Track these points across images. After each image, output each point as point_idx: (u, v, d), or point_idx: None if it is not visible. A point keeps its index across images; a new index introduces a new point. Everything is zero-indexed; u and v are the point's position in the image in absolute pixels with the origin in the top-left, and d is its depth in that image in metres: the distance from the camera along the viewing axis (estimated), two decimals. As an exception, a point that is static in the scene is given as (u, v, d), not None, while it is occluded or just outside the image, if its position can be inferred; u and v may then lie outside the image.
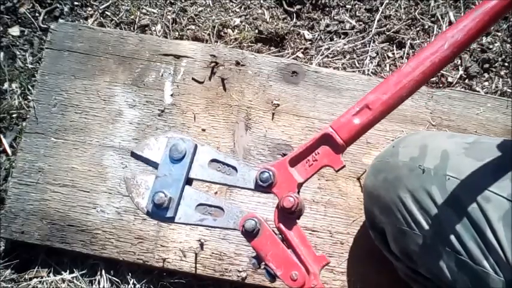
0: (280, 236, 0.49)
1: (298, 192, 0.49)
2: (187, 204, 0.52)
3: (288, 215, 0.48)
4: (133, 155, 0.55)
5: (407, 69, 0.46)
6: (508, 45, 0.94)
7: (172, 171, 0.52)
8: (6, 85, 0.91)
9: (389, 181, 0.60)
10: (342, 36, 0.95)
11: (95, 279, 0.80)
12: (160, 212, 0.51)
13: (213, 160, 0.53)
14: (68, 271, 0.81)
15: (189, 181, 0.53)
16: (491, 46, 0.94)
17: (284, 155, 0.81)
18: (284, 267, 0.47)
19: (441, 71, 0.92)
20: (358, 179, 0.81)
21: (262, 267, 0.48)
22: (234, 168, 0.53)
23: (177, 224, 0.52)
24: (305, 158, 0.49)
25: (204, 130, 0.82)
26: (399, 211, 0.57)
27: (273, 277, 0.47)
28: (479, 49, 0.94)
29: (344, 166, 0.47)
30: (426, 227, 0.54)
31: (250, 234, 0.48)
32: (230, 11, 0.96)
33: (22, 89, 0.91)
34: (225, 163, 0.53)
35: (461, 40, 0.44)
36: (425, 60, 0.45)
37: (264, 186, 0.49)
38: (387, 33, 0.94)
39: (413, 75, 0.46)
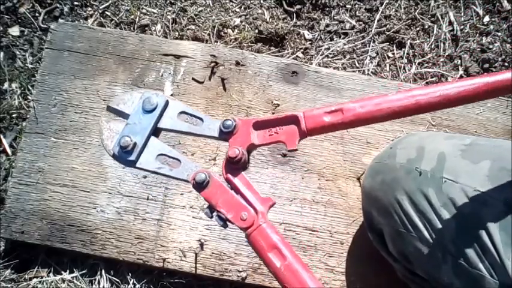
0: (229, 185, 0.52)
1: (249, 152, 0.53)
2: (149, 152, 0.56)
3: (233, 165, 0.52)
4: (109, 108, 0.60)
5: (393, 98, 0.48)
6: (508, 45, 0.94)
7: (142, 120, 0.57)
8: (6, 85, 0.91)
9: (387, 183, 0.60)
10: (342, 36, 0.95)
11: (95, 279, 0.80)
12: (124, 154, 0.55)
13: (182, 112, 0.58)
14: (68, 271, 0.81)
15: (157, 132, 0.58)
16: (491, 46, 0.94)
17: (284, 155, 0.81)
18: (234, 210, 0.50)
19: (441, 71, 0.92)
20: (358, 179, 0.81)
21: (214, 216, 0.51)
22: (201, 119, 0.58)
23: (137, 168, 0.56)
24: (269, 127, 0.52)
25: (204, 130, 0.82)
26: (396, 213, 0.57)
27: (224, 222, 0.50)
28: (479, 49, 0.94)
29: (296, 150, 0.50)
30: (423, 229, 0.54)
31: (200, 186, 0.52)
32: (230, 11, 0.96)
33: (22, 89, 0.91)
34: (193, 115, 0.58)
35: (453, 96, 0.48)
36: (413, 97, 0.48)
37: (225, 132, 0.53)
38: (387, 33, 0.94)
39: (393, 104, 0.48)
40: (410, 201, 0.55)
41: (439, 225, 0.53)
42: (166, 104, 0.58)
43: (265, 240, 0.49)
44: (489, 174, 0.52)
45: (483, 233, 0.49)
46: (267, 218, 0.49)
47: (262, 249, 0.49)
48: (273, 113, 0.83)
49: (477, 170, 0.53)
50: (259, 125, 0.53)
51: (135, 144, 0.56)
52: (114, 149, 0.56)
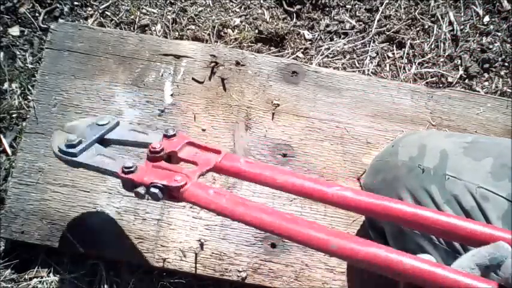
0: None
1: (170, 157, 0.60)
2: (91, 152, 0.64)
3: (155, 157, 0.58)
4: (64, 128, 0.69)
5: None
6: (508, 45, 0.94)
7: (92, 129, 0.67)
8: (6, 85, 0.91)
9: (389, 181, 0.60)
10: (342, 36, 0.95)
11: (95, 279, 0.80)
12: (68, 149, 0.63)
13: (131, 130, 0.68)
14: (67, 271, 0.81)
15: (105, 142, 0.67)
16: (491, 46, 0.94)
17: (285, 155, 0.81)
18: (167, 178, 0.54)
19: (441, 71, 0.92)
20: (358, 179, 0.81)
21: (151, 191, 0.54)
22: (146, 133, 0.66)
23: (75, 164, 0.64)
24: (196, 149, 0.61)
25: (204, 130, 0.82)
26: None
27: (162, 192, 0.54)
28: (479, 49, 0.94)
29: (201, 174, 0.56)
30: None
31: (129, 171, 0.57)
32: (230, 11, 0.96)
33: (22, 89, 0.91)
34: (140, 131, 0.67)
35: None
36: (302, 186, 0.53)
37: (167, 136, 0.61)
38: (387, 33, 0.94)
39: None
40: (413, 199, 0.56)
41: None
42: (118, 123, 0.68)
43: (203, 189, 0.53)
44: (492, 171, 0.52)
45: None
46: (198, 179, 0.54)
47: (202, 197, 0.52)
48: (273, 113, 0.83)
49: (480, 167, 0.53)
50: (191, 144, 0.61)
51: (80, 141, 0.64)
52: (60, 146, 0.64)
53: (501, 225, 0.49)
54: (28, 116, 0.84)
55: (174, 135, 0.62)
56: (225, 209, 0.51)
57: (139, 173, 0.57)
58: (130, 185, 0.57)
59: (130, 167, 0.57)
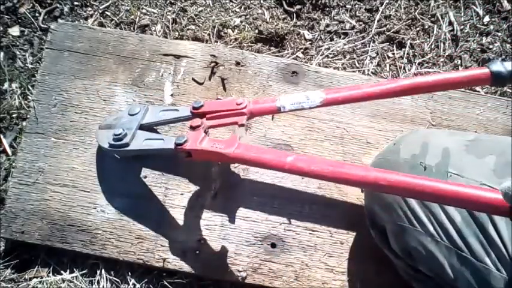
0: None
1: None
2: (139, 139, 0.73)
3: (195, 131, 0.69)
4: (101, 127, 0.77)
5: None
6: (508, 45, 0.94)
7: (129, 120, 0.75)
8: (6, 85, 0.91)
9: None
10: (342, 36, 0.95)
11: (95, 279, 0.80)
12: (118, 142, 0.72)
13: (162, 110, 0.76)
14: (68, 271, 0.81)
15: (143, 127, 0.75)
16: (491, 46, 0.94)
17: (284, 155, 0.81)
18: (213, 142, 0.66)
19: (441, 71, 0.92)
20: (358, 179, 0.81)
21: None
22: (177, 110, 0.76)
23: (134, 150, 0.72)
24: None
25: (204, 130, 0.82)
26: (400, 208, 0.58)
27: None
28: (479, 49, 0.94)
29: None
30: (428, 223, 0.55)
31: (181, 142, 0.67)
32: (230, 11, 0.96)
33: (22, 89, 0.91)
34: (171, 109, 0.76)
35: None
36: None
37: (196, 107, 0.72)
38: (387, 33, 0.94)
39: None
40: None
41: (445, 219, 0.53)
42: (147, 108, 0.77)
43: (248, 149, 0.63)
44: (495, 169, 0.52)
45: (489, 226, 0.49)
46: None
47: (254, 156, 0.62)
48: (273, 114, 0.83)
49: (482, 165, 0.53)
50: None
51: (126, 133, 0.73)
52: (110, 141, 0.73)
53: (504, 222, 0.49)
54: (28, 116, 0.84)
55: (202, 105, 0.72)
56: (271, 161, 0.60)
57: (190, 142, 0.67)
58: (186, 155, 0.68)
59: (182, 141, 0.67)
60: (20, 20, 0.95)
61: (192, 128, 0.69)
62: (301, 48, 0.94)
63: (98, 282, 0.80)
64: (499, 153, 0.54)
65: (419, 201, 0.56)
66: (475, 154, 0.55)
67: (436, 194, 0.47)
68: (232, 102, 0.70)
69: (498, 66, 0.64)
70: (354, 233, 0.79)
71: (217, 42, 0.93)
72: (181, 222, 0.78)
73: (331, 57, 0.93)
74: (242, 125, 0.68)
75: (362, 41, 0.94)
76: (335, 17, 0.96)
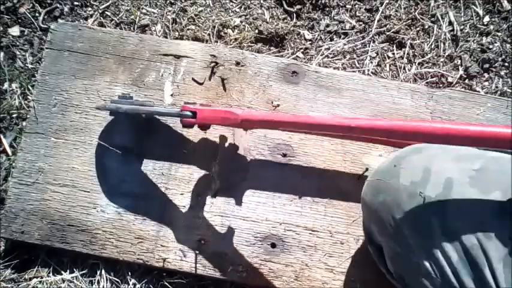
0: None
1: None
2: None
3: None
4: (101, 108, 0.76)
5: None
6: (508, 45, 0.94)
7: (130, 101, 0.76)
8: (6, 85, 0.91)
9: (388, 204, 0.58)
10: (342, 36, 0.95)
11: (95, 279, 0.80)
12: (122, 100, 0.74)
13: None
14: (68, 271, 0.81)
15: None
16: (491, 46, 0.94)
17: (285, 155, 0.81)
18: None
19: (441, 71, 0.92)
20: (358, 179, 0.81)
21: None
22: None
23: (136, 108, 0.74)
24: None
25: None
26: (396, 234, 0.56)
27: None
28: (479, 49, 0.94)
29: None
30: (423, 258, 0.52)
31: (189, 103, 0.73)
32: (230, 11, 0.96)
33: (22, 89, 0.91)
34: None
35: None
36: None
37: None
38: (387, 33, 0.94)
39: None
40: (412, 227, 0.53)
41: (440, 255, 0.51)
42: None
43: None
44: (498, 207, 0.49)
45: (485, 268, 0.47)
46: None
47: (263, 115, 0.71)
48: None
49: (485, 201, 0.50)
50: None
51: (131, 97, 0.75)
52: (112, 100, 0.75)
53: (502, 267, 0.46)
54: (28, 116, 0.84)
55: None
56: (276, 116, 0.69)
57: (198, 105, 0.72)
58: (191, 116, 0.72)
59: (190, 101, 0.73)
60: (20, 20, 0.95)
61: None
62: (301, 48, 0.94)
63: (98, 282, 0.80)
64: (504, 189, 0.50)
65: (415, 230, 0.53)
66: (479, 188, 0.51)
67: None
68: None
69: None
70: (354, 233, 0.79)
71: (217, 42, 0.93)
72: (181, 222, 0.78)
73: (331, 57, 0.93)
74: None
75: (362, 41, 0.94)
76: (335, 17, 0.96)
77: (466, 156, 0.57)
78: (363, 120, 0.64)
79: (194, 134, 0.82)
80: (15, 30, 0.95)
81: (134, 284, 0.79)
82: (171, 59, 0.86)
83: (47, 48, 0.86)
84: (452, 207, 0.51)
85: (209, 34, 0.93)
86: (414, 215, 0.53)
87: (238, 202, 0.79)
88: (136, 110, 0.73)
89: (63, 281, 0.80)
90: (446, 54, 0.94)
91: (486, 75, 0.93)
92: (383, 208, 0.58)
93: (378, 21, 0.95)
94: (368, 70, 0.92)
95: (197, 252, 0.77)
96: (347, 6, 0.96)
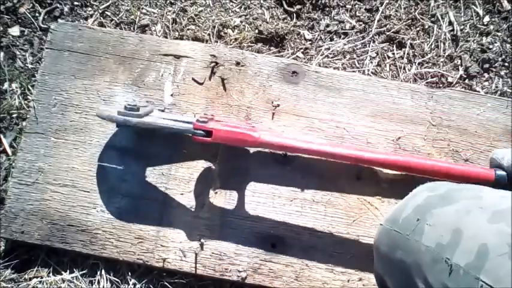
0: None
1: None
2: (152, 116, 0.73)
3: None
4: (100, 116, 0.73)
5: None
6: (508, 45, 0.94)
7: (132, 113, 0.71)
8: (6, 85, 0.91)
9: (407, 264, 0.51)
10: (342, 36, 0.95)
11: (95, 279, 0.80)
12: (130, 112, 0.70)
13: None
14: (68, 271, 0.81)
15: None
16: (491, 46, 0.94)
17: (285, 155, 0.81)
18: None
19: (441, 71, 0.92)
20: (358, 178, 0.81)
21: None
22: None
23: (146, 122, 0.71)
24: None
25: (204, 130, 0.82)
26: None
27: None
28: (479, 49, 0.94)
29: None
30: None
31: (205, 121, 0.72)
32: (230, 11, 0.96)
33: (22, 89, 0.91)
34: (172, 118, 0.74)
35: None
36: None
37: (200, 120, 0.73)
38: (387, 33, 0.94)
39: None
40: None
41: None
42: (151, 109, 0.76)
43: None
44: None
45: None
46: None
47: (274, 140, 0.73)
48: (273, 113, 0.83)
49: None
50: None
51: (139, 108, 0.71)
52: (119, 111, 0.70)
53: None
54: (28, 116, 0.84)
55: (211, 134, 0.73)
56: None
57: (213, 123, 0.72)
58: (204, 135, 0.71)
59: (206, 120, 0.71)
60: (20, 20, 0.95)
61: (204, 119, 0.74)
62: (301, 48, 0.94)
63: (98, 282, 0.80)
64: None
65: None
66: None
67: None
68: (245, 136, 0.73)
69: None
70: (354, 233, 0.79)
71: (217, 42, 0.93)
72: (181, 222, 0.78)
73: (331, 57, 0.93)
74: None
75: (362, 41, 0.94)
76: (335, 17, 0.96)
77: (504, 214, 0.47)
78: (379, 154, 0.74)
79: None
80: (15, 30, 0.95)
81: (134, 284, 0.79)
82: (171, 59, 0.86)
83: (47, 48, 0.86)
84: (484, 281, 0.42)
85: (209, 34, 0.93)
86: (436, 284, 0.46)
87: (238, 202, 0.79)
88: (147, 124, 0.71)
89: (63, 281, 0.80)
90: (446, 54, 0.94)
91: (486, 75, 0.93)
92: (401, 266, 0.52)
93: (378, 21, 0.95)
94: (368, 70, 0.92)
95: (197, 252, 0.77)
96: (347, 6, 0.96)
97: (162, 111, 0.82)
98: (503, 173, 0.70)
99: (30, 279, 0.80)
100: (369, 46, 0.94)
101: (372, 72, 0.92)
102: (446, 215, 0.51)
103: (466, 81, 0.92)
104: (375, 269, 0.63)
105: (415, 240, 0.51)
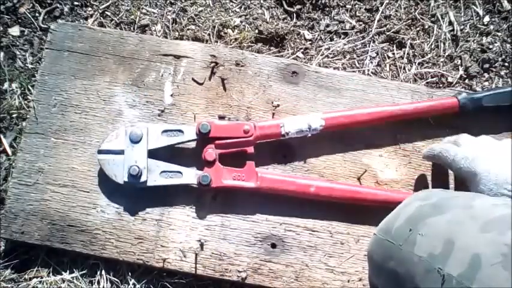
0: None
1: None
2: (153, 172, 0.74)
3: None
4: (101, 152, 0.75)
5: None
6: (508, 45, 0.94)
7: (136, 150, 0.74)
8: (6, 85, 0.91)
9: (400, 274, 0.51)
10: (342, 36, 0.95)
11: (95, 279, 0.80)
12: (135, 180, 0.73)
13: (164, 131, 0.76)
14: (68, 271, 0.81)
15: (150, 153, 0.74)
16: (491, 46, 0.94)
17: (285, 155, 0.81)
18: (236, 174, 0.77)
19: (441, 71, 0.92)
20: (358, 179, 0.81)
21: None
22: (181, 131, 0.76)
23: (152, 187, 0.75)
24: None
25: (204, 130, 0.82)
26: None
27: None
28: (479, 49, 0.94)
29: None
30: None
31: (207, 184, 0.74)
32: (230, 11, 0.96)
33: (22, 89, 0.91)
34: (173, 130, 0.76)
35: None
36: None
37: (203, 133, 0.75)
38: (387, 33, 0.94)
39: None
40: None
41: None
42: (148, 129, 0.75)
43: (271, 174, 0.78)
44: None
45: None
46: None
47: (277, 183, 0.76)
48: (273, 114, 0.83)
49: None
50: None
51: (141, 172, 0.73)
52: (125, 178, 0.74)
53: None
54: (28, 116, 0.84)
55: (209, 131, 0.76)
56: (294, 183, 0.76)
57: (214, 180, 0.74)
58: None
59: (208, 182, 0.74)
60: (20, 20, 0.95)
61: (208, 162, 0.75)
62: (301, 48, 0.94)
63: (98, 283, 0.80)
64: None
65: None
66: None
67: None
68: (239, 128, 0.76)
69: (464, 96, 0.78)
70: (354, 233, 0.79)
71: (217, 42, 0.93)
72: (181, 222, 0.78)
73: (331, 57, 0.93)
74: (251, 153, 0.77)
75: (362, 41, 0.94)
76: (335, 17, 0.96)
77: (496, 223, 0.46)
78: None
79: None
80: (15, 30, 0.95)
81: (134, 284, 0.79)
82: (171, 59, 0.86)
83: (47, 48, 0.86)
84: None
85: (209, 34, 0.93)
86: None
87: (239, 202, 0.79)
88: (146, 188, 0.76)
89: (63, 281, 0.80)
90: (446, 54, 0.94)
91: (486, 75, 0.93)
92: (394, 276, 0.53)
93: (378, 21, 0.95)
94: (368, 70, 0.92)
95: (197, 252, 0.77)
96: (347, 6, 0.96)
97: (162, 111, 0.82)
98: (466, 96, 0.79)
99: (30, 279, 0.80)
100: (369, 46, 0.94)
101: (372, 72, 0.92)
102: (438, 225, 0.51)
103: (466, 81, 0.92)
104: (369, 277, 0.64)
105: (408, 251, 0.51)
